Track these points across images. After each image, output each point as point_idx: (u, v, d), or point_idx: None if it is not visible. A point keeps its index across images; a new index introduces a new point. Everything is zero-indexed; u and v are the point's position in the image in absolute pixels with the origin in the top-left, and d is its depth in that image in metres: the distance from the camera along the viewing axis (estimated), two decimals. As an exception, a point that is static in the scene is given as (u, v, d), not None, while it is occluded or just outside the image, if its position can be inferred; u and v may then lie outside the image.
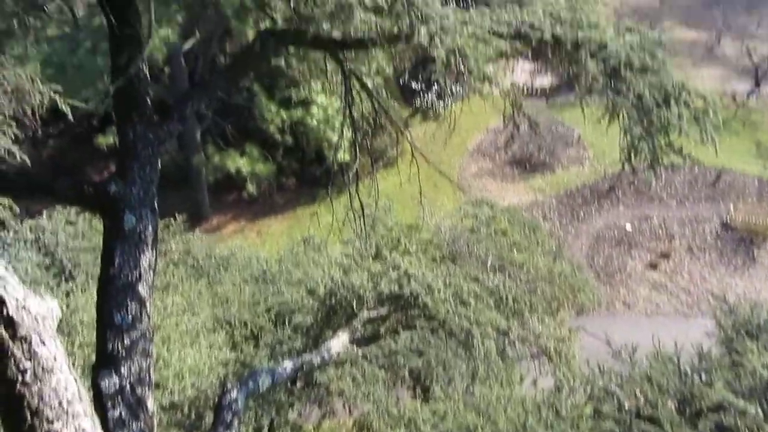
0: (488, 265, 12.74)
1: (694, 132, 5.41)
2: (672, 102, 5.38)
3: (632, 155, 5.55)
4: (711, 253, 23.81)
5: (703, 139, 5.40)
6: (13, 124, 6.37)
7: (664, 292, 22.56)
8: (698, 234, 24.52)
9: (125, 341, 4.90)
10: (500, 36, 5.26)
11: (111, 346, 4.87)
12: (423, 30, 4.88)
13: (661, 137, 5.45)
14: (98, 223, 13.05)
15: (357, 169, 7.06)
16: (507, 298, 11.16)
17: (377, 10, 4.95)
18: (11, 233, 12.98)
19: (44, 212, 13.75)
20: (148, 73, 5.39)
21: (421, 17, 4.88)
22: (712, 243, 24.14)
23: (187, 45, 22.68)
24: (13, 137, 6.50)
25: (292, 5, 5.40)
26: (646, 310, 22.10)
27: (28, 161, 6.83)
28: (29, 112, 6.25)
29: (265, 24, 6.06)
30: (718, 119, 5.47)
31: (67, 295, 11.20)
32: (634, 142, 5.45)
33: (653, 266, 23.50)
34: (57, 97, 6.14)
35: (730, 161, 25.53)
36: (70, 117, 6.33)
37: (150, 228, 5.12)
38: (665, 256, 23.72)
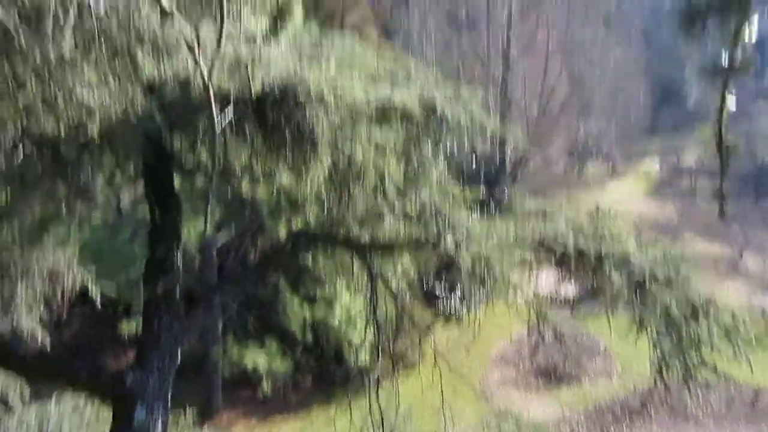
0: (513, 485, 11.76)
1: (726, 348, 5.28)
2: (700, 316, 5.32)
3: (663, 370, 5.36)
4: (757, 482, 21.83)
5: (736, 355, 5.26)
6: (42, 304, 6.49)
7: None
8: (741, 459, 22.73)
9: None
10: (524, 246, 5.41)
11: None
12: (449, 237, 5.06)
13: (693, 353, 5.30)
14: (106, 412, 12.60)
15: (378, 374, 6.90)
16: None
17: (406, 217, 5.18)
18: (15, 417, 12.53)
19: (54, 396, 13.39)
20: (181, 264, 5.56)
21: (448, 225, 5.08)
22: (758, 470, 22.26)
23: (221, 238, 23.65)
24: (39, 318, 6.58)
25: (325, 208, 5.68)
26: None
27: (48, 344, 6.83)
28: (59, 294, 6.40)
29: (297, 223, 6.33)
30: (750, 335, 5.36)
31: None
32: (665, 356, 5.30)
33: (695, 494, 21.48)
34: (89, 282, 6.31)
35: (767, 379, 24.45)
36: (98, 302, 6.45)
37: (159, 423, 4.93)
38: (707, 483, 21.77)
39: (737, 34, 1.53)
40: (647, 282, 5.42)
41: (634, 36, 47.08)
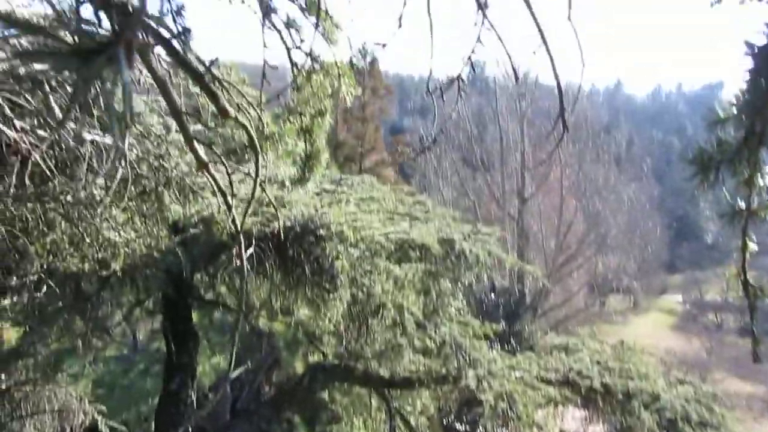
0: None
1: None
2: (740, 462, 5.00)
3: None
4: None
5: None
6: (50, 443, 6.29)
7: None
8: None
9: None
10: (549, 382, 5.25)
11: None
12: (471, 373, 4.94)
13: (737, 504, 4.93)
14: None
15: None
16: None
17: (426, 352, 5.11)
18: None
19: None
20: (195, 399, 5.43)
21: (469, 360, 4.98)
22: None
23: (236, 373, 23.18)
24: (45, 456, 6.34)
25: (343, 342, 5.63)
26: None
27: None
28: (68, 430, 6.22)
29: (314, 357, 6.25)
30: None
31: None
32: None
33: None
34: (99, 419, 6.15)
35: None
36: (107, 440, 6.24)
37: None
38: None
39: (751, 180, 1.59)
40: (680, 422, 5.17)
41: (645, 174, 48.41)
